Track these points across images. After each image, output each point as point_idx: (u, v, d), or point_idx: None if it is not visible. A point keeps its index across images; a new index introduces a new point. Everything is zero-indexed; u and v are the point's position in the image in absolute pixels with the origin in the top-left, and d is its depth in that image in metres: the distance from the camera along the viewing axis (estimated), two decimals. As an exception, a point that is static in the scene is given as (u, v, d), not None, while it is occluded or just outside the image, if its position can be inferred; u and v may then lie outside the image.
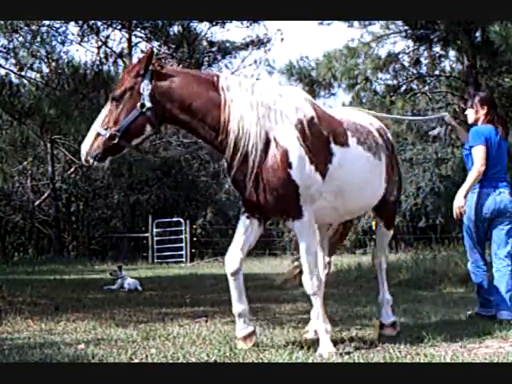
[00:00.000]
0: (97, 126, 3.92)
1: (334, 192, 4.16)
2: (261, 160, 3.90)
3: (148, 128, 3.95)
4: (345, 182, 4.19)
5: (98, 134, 3.89)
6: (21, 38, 9.59)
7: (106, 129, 3.88)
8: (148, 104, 3.87)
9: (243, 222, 4.27)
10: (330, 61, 14.27)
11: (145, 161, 10.48)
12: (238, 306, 4.39)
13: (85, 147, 3.91)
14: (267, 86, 4.19)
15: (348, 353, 4.05)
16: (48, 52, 10.06)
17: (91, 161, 3.91)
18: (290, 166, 3.88)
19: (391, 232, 4.94)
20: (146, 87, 3.88)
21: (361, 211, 4.91)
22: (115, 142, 3.87)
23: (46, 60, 10.56)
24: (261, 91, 4.07)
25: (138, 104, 3.88)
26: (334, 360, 3.81)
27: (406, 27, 13.87)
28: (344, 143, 4.21)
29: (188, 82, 3.97)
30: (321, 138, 4.05)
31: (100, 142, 3.88)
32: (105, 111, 3.95)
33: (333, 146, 4.12)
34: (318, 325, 4.11)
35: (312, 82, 14.55)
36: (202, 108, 3.94)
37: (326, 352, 3.93)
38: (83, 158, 3.95)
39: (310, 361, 3.78)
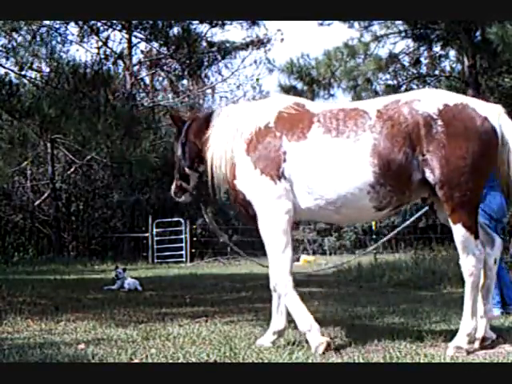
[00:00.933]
0: None
1: (304, 188, 4.24)
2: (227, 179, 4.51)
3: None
4: (307, 174, 4.22)
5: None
6: (20, 38, 9.58)
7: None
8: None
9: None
10: (330, 59, 14.27)
11: (145, 161, 10.45)
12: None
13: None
14: (244, 107, 4.68)
15: (348, 353, 4.05)
16: (48, 52, 10.06)
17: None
18: (235, 177, 4.42)
19: (459, 229, 4.01)
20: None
21: (353, 201, 4.23)
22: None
23: (45, 60, 10.56)
24: (236, 114, 4.58)
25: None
26: (333, 360, 3.81)
27: (406, 27, 13.87)
28: (300, 137, 4.26)
29: (198, 128, 4.78)
30: (271, 142, 4.32)
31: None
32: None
33: (285, 143, 4.28)
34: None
35: (312, 82, 14.55)
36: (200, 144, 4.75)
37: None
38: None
39: (309, 361, 3.78)
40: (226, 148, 4.46)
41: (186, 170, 4.87)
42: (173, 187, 5.00)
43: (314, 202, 4.25)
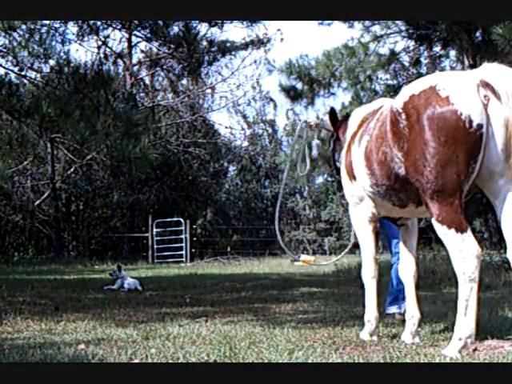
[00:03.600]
0: None
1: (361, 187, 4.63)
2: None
3: None
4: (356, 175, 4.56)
5: None
6: (20, 38, 9.58)
7: None
8: None
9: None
10: (330, 59, 14.26)
11: (145, 159, 10.45)
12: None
13: None
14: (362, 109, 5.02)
15: (348, 353, 4.05)
16: (47, 51, 10.05)
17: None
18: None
19: (436, 224, 3.78)
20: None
21: (375, 199, 4.49)
22: None
23: (45, 59, 10.56)
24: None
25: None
26: (333, 360, 3.81)
27: (406, 27, 13.86)
28: (356, 141, 4.56)
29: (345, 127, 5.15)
30: (352, 143, 4.66)
31: None
32: None
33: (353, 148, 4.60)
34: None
35: (311, 81, 14.54)
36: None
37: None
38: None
39: (309, 361, 3.78)
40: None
41: (337, 164, 5.30)
42: None
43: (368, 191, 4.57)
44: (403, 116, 3.77)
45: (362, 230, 4.66)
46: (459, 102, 3.57)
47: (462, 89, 3.62)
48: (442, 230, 3.70)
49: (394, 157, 3.92)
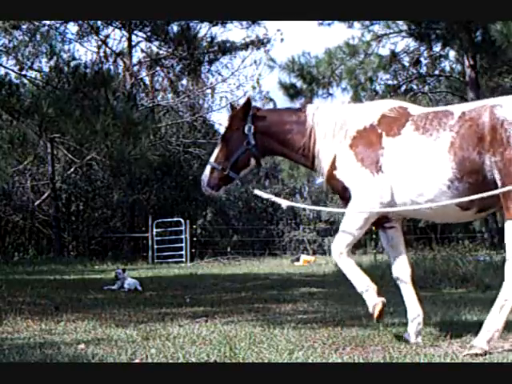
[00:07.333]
0: (211, 161, 4.85)
1: (397, 182, 4.48)
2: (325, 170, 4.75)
3: (252, 161, 4.90)
4: (399, 169, 4.47)
5: (213, 168, 4.82)
6: (20, 37, 9.58)
7: (218, 163, 4.81)
8: (252, 142, 4.80)
9: (380, 234, 4.86)
10: (331, 58, 14.27)
11: (144, 158, 10.47)
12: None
13: (204, 179, 4.83)
14: (351, 107, 4.97)
15: (348, 353, 4.05)
16: (48, 51, 10.05)
17: (209, 190, 4.84)
18: (335, 168, 4.65)
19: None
20: (249, 129, 4.80)
21: (437, 196, 4.43)
22: (226, 173, 4.80)
23: (45, 59, 10.56)
24: (342, 113, 4.80)
25: (245, 142, 4.80)
26: (333, 360, 3.81)
27: (406, 26, 13.86)
28: (396, 134, 4.52)
29: (280, 120, 4.87)
30: (372, 138, 4.57)
31: (215, 175, 4.81)
32: (217, 149, 4.88)
33: (384, 140, 4.54)
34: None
35: (312, 80, 14.55)
36: (293, 139, 4.80)
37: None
38: (203, 189, 4.88)
39: (309, 361, 3.77)
40: (330, 143, 4.72)
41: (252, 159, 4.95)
42: (212, 177, 4.87)
43: (407, 196, 4.47)
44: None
45: (365, 218, 4.54)
46: None
47: None
48: None
49: (486, 159, 4.17)
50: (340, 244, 4.59)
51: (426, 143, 4.40)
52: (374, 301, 4.40)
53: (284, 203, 5.08)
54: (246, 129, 4.80)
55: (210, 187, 4.83)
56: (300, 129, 4.80)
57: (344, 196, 4.70)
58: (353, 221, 4.59)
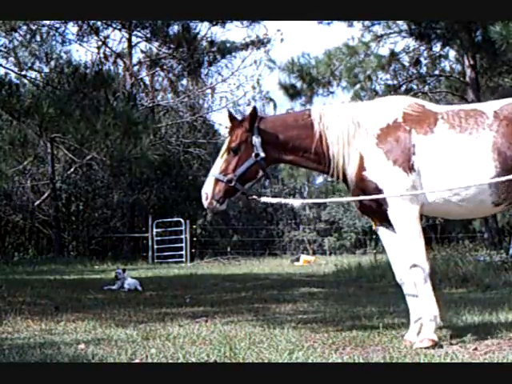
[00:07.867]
0: (215, 173, 4.60)
1: (431, 180, 4.45)
2: (352, 173, 4.57)
3: (260, 172, 4.71)
4: (434, 167, 4.45)
5: (217, 180, 4.58)
6: (20, 38, 9.59)
7: (224, 175, 4.58)
8: (262, 154, 4.61)
9: (381, 233, 4.76)
10: (330, 58, 14.28)
11: (144, 158, 10.48)
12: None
13: (208, 192, 4.58)
14: (361, 106, 4.81)
15: (348, 353, 4.05)
16: (48, 51, 10.06)
17: (214, 203, 4.59)
18: (364, 169, 4.50)
19: None
20: (257, 140, 4.61)
21: (476, 195, 4.47)
22: (232, 185, 4.58)
23: (45, 59, 10.55)
24: (353, 113, 4.66)
25: (253, 154, 4.60)
26: (333, 360, 3.81)
27: (408, 23, 13.86)
28: (428, 132, 4.49)
29: (286, 127, 4.68)
30: (401, 136, 4.49)
31: (220, 187, 4.58)
32: (221, 160, 4.64)
33: (414, 137, 4.48)
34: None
35: (312, 80, 14.56)
36: (302, 145, 4.65)
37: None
38: (207, 202, 4.59)
39: (310, 361, 3.78)
40: (349, 144, 4.58)
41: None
42: (216, 190, 4.64)
43: (440, 194, 4.45)
44: None
45: (416, 219, 4.47)
46: None
47: None
48: None
49: None
50: (420, 263, 4.47)
51: (467, 142, 4.42)
52: (430, 334, 4.32)
53: (296, 203, 5.06)
54: (254, 141, 4.62)
55: (216, 200, 4.58)
56: (308, 133, 4.64)
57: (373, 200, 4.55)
58: (409, 229, 4.45)
